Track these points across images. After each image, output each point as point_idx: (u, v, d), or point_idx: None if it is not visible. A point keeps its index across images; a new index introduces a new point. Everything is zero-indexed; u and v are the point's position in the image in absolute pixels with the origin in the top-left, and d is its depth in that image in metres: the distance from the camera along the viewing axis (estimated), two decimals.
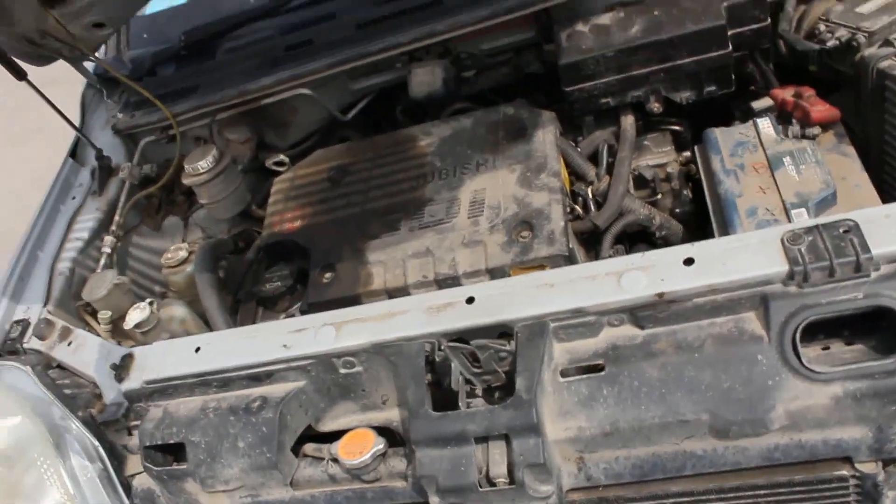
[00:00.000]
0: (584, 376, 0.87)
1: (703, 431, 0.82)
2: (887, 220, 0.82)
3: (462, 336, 0.93)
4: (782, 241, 0.84)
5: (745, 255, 0.85)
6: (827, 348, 0.84)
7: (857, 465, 0.81)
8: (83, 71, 1.72)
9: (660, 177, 1.33)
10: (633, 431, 0.84)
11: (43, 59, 1.61)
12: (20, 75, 1.47)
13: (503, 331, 0.92)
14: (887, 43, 1.10)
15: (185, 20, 1.79)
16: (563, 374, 0.88)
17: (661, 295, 0.85)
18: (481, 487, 0.84)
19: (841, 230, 0.83)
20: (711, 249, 0.87)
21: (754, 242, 0.86)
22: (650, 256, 0.89)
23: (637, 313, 0.87)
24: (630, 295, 0.87)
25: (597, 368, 0.87)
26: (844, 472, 0.81)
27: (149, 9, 1.85)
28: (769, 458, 0.82)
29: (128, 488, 1.12)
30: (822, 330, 0.84)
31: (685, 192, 1.31)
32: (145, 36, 1.83)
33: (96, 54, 1.69)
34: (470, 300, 0.95)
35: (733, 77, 1.27)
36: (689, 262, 0.87)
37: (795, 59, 1.26)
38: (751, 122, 1.22)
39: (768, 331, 0.82)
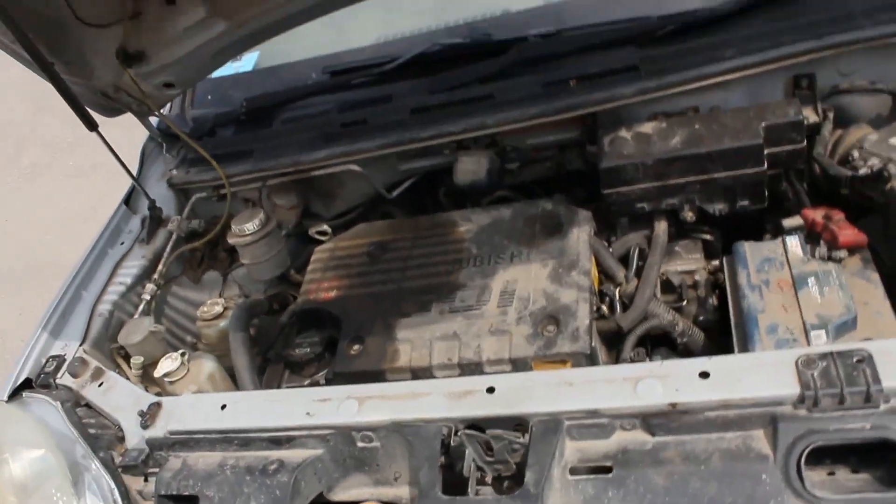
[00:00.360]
0: (592, 476, 0.90)
1: None
2: None
3: (479, 424, 0.96)
4: (797, 364, 0.87)
5: (759, 375, 0.88)
6: (832, 474, 0.86)
7: None
8: (147, 125, 1.83)
9: (687, 283, 1.37)
10: None
11: (113, 112, 1.73)
12: (92, 126, 1.57)
13: (519, 423, 0.95)
14: None
15: (248, 87, 1.90)
16: (573, 471, 0.91)
17: (674, 405, 0.89)
18: None
19: (855, 359, 0.85)
20: (727, 365, 0.91)
21: (769, 362, 0.89)
22: (667, 366, 0.93)
23: (649, 420, 0.90)
24: (644, 402, 0.90)
25: (605, 470, 0.90)
26: None
27: (215, 73, 1.97)
28: None
29: None
30: (830, 455, 0.86)
31: (711, 301, 1.34)
32: (209, 98, 1.94)
33: (162, 111, 1.81)
34: (490, 390, 0.99)
35: (766, 193, 1.32)
36: (704, 375, 0.90)
37: (828, 182, 1.31)
38: (780, 239, 1.26)
39: (775, 451, 0.84)
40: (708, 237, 1.42)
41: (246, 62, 1.96)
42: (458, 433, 0.95)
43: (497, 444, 0.94)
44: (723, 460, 0.86)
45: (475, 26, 1.65)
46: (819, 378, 0.85)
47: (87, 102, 1.60)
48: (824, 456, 0.86)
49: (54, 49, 1.48)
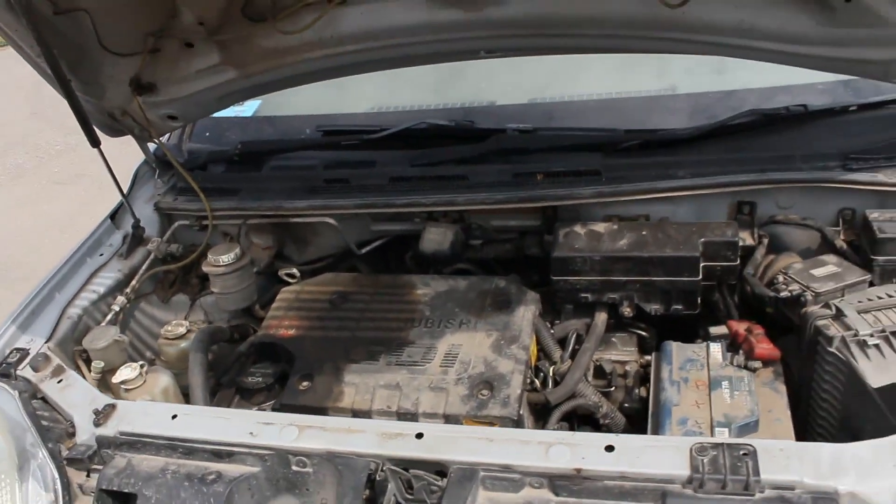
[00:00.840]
0: None
1: None
2: (780, 453, 0.97)
3: (404, 464, 1.06)
4: (691, 449, 0.99)
5: (657, 455, 1.00)
6: None
7: None
8: (145, 150, 1.94)
9: (618, 372, 1.49)
10: None
11: (116, 132, 1.85)
12: (95, 142, 1.68)
13: (439, 468, 1.05)
14: (827, 305, 1.29)
15: (245, 131, 2.03)
16: None
17: (578, 470, 0.99)
18: None
19: (741, 452, 0.97)
20: (631, 443, 1.02)
21: (668, 445, 1.01)
22: (578, 436, 1.04)
23: (555, 481, 1.00)
24: (553, 464, 1.01)
25: None
26: None
27: (219, 112, 2.10)
28: None
29: None
30: None
31: (637, 391, 1.46)
32: (207, 134, 2.07)
33: (161, 139, 1.93)
34: (419, 435, 1.09)
35: (699, 301, 1.46)
36: (609, 448, 1.01)
37: (755, 300, 1.45)
38: (705, 343, 1.40)
39: None
40: (643, 333, 1.55)
41: (247, 108, 2.09)
42: (384, 469, 1.05)
43: (417, 484, 1.04)
44: None
45: (462, 111, 1.80)
46: (708, 464, 0.96)
47: (93, 120, 1.71)
48: None
49: (74, 68, 1.61)
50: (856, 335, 1.19)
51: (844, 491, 0.93)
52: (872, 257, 1.38)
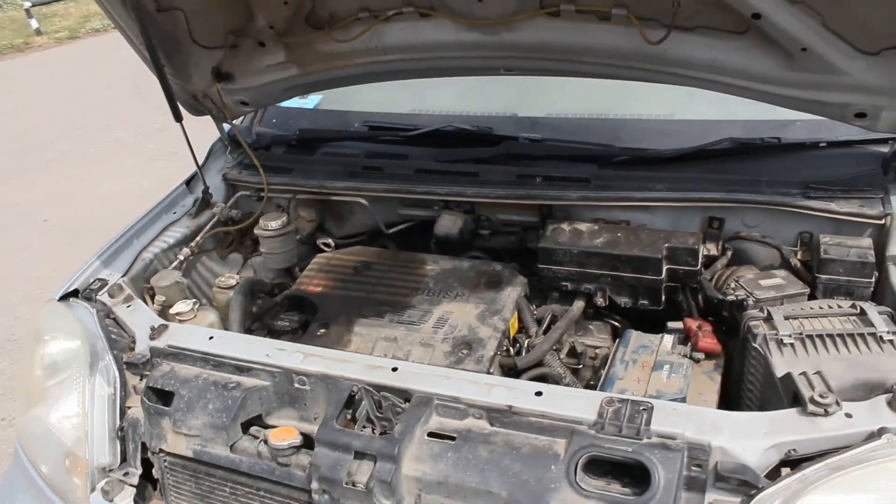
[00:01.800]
0: (441, 441, 1.25)
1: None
2: (673, 412, 1.19)
3: (379, 389, 1.33)
4: (602, 402, 1.22)
5: (575, 403, 1.23)
6: (609, 483, 1.19)
7: None
8: (220, 129, 2.27)
9: (589, 354, 1.72)
10: (456, 487, 1.20)
11: (197, 112, 2.17)
12: (178, 118, 2.01)
13: (405, 395, 1.31)
14: (762, 310, 1.49)
15: (304, 120, 2.34)
16: (430, 434, 1.26)
17: (510, 407, 1.24)
18: (345, 485, 1.22)
19: (640, 407, 1.20)
20: (556, 391, 1.26)
21: (585, 397, 1.24)
22: (516, 383, 1.29)
23: (491, 414, 1.25)
24: (491, 400, 1.26)
25: (451, 438, 1.25)
26: None
27: (286, 102, 2.42)
28: None
29: (122, 414, 1.54)
30: (612, 474, 1.19)
31: (602, 372, 1.69)
32: (274, 121, 2.39)
33: (235, 121, 2.25)
34: (394, 369, 1.35)
35: (663, 298, 1.68)
36: (538, 393, 1.26)
37: (706, 301, 1.66)
38: (661, 335, 1.62)
39: (566, 453, 1.18)
40: (617, 324, 1.77)
41: (310, 101, 2.41)
42: (361, 390, 1.32)
43: (385, 404, 1.30)
44: (531, 451, 1.20)
45: (485, 119, 2.07)
46: (611, 413, 1.20)
47: (179, 100, 2.05)
48: (608, 473, 1.19)
49: (168, 55, 1.94)
50: (776, 335, 1.40)
51: (716, 445, 1.15)
52: (817, 275, 1.57)
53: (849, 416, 1.17)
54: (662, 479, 1.12)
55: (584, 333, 1.77)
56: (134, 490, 1.49)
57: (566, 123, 1.99)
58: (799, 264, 1.65)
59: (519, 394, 1.26)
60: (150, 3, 1.80)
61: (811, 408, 1.18)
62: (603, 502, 1.13)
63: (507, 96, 2.11)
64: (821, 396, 1.19)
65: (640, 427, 1.17)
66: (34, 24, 15.76)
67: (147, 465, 1.53)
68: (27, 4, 16.50)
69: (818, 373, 1.25)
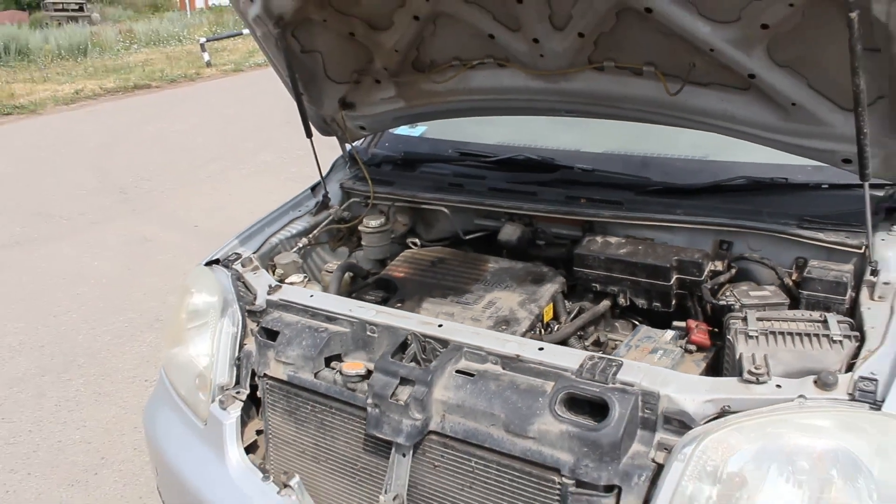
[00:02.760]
0: (464, 376, 1.69)
1: (499, 424, 1.60)
2: (637, 369, 1.58)
3: (426, 338, 1.79)
4: (585, 357, 1.62)
5: (565, 358, 1.64)
6: (578, 415, 1.58)
7: (562, 476, 1.54)
8: (343, 148, 2.83)
9: (610, 345, 2.10)
10: (470, 410, 1.63)
11: (326, 133, 2.74)
12: (309, 135, 2.58)
13: (444, 343, 1.76)
14: (742, 312, 1.83)
15: (410, 145, 2.87)
16: (457, 371, 1.71)
17: (517, 355, 1.67)
18: (390, 400, 1.68)
19: (612, 363, 1.60)
20: (554, 349, 1.68)
21: (574, 354, 1.65)
22: (525, 341, 1.72)
23: (504, 360, 1.68)
24: (505, 350, 1.69)
25: (471, 374, 1.69)
26: (554, 478, 1.55)
27: (397, 130, 2.96)
28: (523, 452, 1.57)
29: (240, 348, 2.08)
30: (585, 411, 1.58)
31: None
32: (387, 144, 2.94)
33: (355, 143, 2.81)
34: (440, 325, 1.81)
35: (673, 302, 2.05)
36: (540, 349, 1.68)
37: (707, 307, 2.02)
38: (666, 330, 1.99)
39: (551, 391, 1.59)
40: (638, 322, 2.15)
41: (416, 131, 2.94)
42: (413, 337, 1.79)
43: (428, 348, 1.76)
44: (527, 388, 1.61)
45: (550, 151, 2.51)
46: (589, 365, 1.60)
47: (312, 122, 2.62)
48: (582, 410, 1.58)
49: (306, 86, 2.52)
50: (745, 329, 1.75)
51: (664, 394, 1.52)
52: (800, 290, 1.91)
53: (778, 386, 1.52)
54: (617, 413, 1.51)
55: (610, 329, 2.16)
56: (241, 404, 2.02)
57: (611, 158, 2.40)
58: (791, 283, 1.98)
59: (526, 348, 1.69)
60: (295, 45, 2.39)
61: (747, 376, 1.53)
62: (571, 426, 1.53)
63: (567, 134, 2.55)
64: (756, 368, 1.54)
65: (608, 376, 1.57)
66: (206, 56, 17.58)
67: (253, 389, 2.05)
68: (202, 39, 18.44)
69: (764, 356, 1.61)
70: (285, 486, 1.87)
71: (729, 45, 1.78)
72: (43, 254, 6.07)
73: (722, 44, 1.79)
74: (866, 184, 1.74)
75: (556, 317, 2.13)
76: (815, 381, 1.49)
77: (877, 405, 1.43)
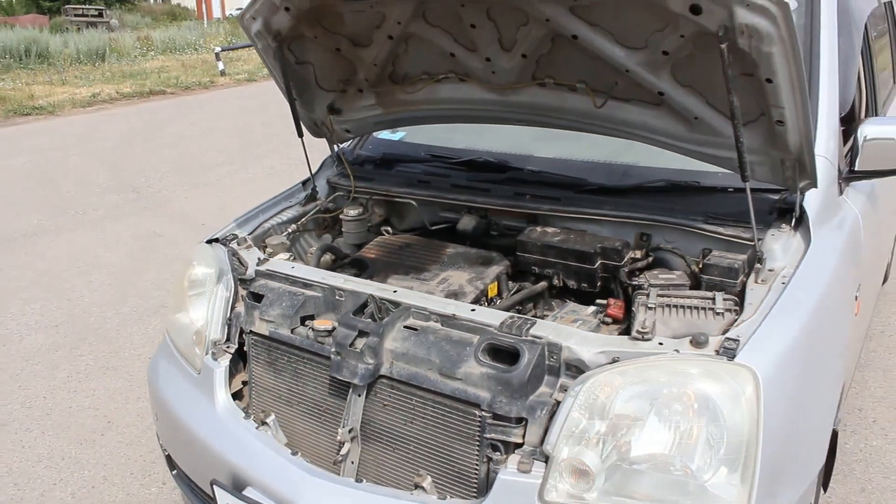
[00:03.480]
0: (409, 330, 2.08)
1: (434, 368, 1.98)
2: (546, 325, 1.96)
3: (383, 301, 2.18)
4: (506, 317, 2.01)
5: (491, 316, 2.03)
6: (497, 362, 1.96)
7: (482, 410, 1.92)
8: (331, 148, 3.23)
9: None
10: (412, 357, 2.01)
11: (316, 135, 3.14)
12: (300, 135, 2.99)
13: (396, 304, 2.15)
14: (647, 290, 2.21)
15: (390, 147, 3.28)
16: (405, 326, 2.09)
17: (454, 314, 2.06)
18: (349, 348, 2.07)
19: (528, 321, 1.98)
20: (485, 310, 2.06)
21: (500, 314, 2.03)
22: (461, 304, 2.10)
23: (442, 318, 2.07)
24: (444, 311, 2.07)
25: (415, 329, 2.07)
26: (475, 411, 1.93)
27: (380, 134, 3.37)
28: (452, 391, 1.95)
29: (232, 309, 2.47)
30: (507, 359, 1.96)
31: None
32: (370, 146, 3.34)
33: (342, 144, 3.22)
34: (394, 291, 2.20)
35: (598, 284, 2.43)
36: (472, 310, 2.06)
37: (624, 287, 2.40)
38: (590, 306, 2.37)
39: (477, 342, 1.97)
40: (570, 300, 2.53)
41: (397, 135, 3.34)
42: (372, 300, 2.18)
43: (383, 308, 2.15)
44: (458, 339, 1.98)
45: (506, 155, 2.91)
46: (508, 322, 1.98)
47: (305, 125, 3.03)
48: (502, 359, 1.96)
49: (299, 93, 2.92)
50: (646, 302, 2.13)
51: (565, 345, 1.90)
52: (701, 275, 2.28)
53: (660, 343, 1.89)
54: (526, 359, 1.89)
55: (547, 307, 2.54)
56: (230, 356, 2.40)
57: (554, 162, 2.79)
58: (696, 269, 2.35)
59: (461, 309, 2.08)
60: (290, 57, 2.79)
61: (634, 334, 1.91)
62: (490, 369, 1.91)
63: (519, 140, 2.94)
64: (642, 328, 1.93)
65: (522, 331, 1.95)
66: (221, 66, 18.09)
67: (241, 346, 2.44)
68: (217, 49, 18.99)
69: (653, 321, 1.99)
70: (263, 423, 2.25)
71: (640, 67, 2.17)
72: (59, 244, 6.51)
73: (634, 66, 2.18)
74: (747, 185, 2.12)
75: (499, 293, 2.51)
76: (691, 341, 1.86)
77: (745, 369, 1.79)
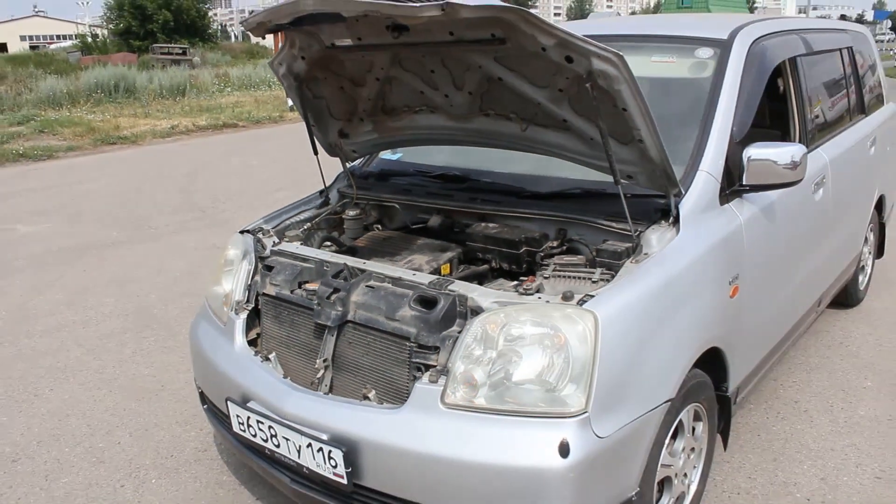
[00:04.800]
0: (368, 288, 2.92)
1: (382, 314, 2.79)
2: (460, 285, 2.78)
3: (354, 269, 3.04)
4: (435, 278, 2.84)
5: (425, 278, 2.86)
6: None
7: (410, 342, 2.74)
8: (343, 165, 4.14)
9: None
10: (368, 305, 2.84)
11: (331, 154, 4.04)
12: (315, 153, 3.90)
13: (363, 272, 3.01)
14: (550, 267, 3.02)
15: (389, 165, 4.17)
16: (366, 285, 2.94)
17: (399, 277, 2.90)
18: (326, 299, 2.92)
19: (448, 281, 2.80)
20: (421, 275, 2.90)
21: (434, 279, 2.87)
22: (405, 270, 2.95)
23: (392, 280, 2.91)
24: (394, 274, 2.92)
25: (373, 287, 2.92)
26: (406, 343, 2.75)
27: (384, 155, 4.27)
28: (393, 329, 2.78)
29: (252, 278, 3.37)
30: (431, 306, 2.78)
31: None
32: (375, 164, 4.24)
33: (350, 162, 4.12)
34: (364, 262, 3.06)
35: (523, 266, 3.23)
36: (413, 275, 2.90)
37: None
38: (515, 281, 3.17)
39: (412, 294, 2.80)
40: (505, 279, 3.33)
41: (396, 155, 4.24)
42: (345, 268, 3.04)
43: (354, 273, 3.01)
44: (401, 293, 2.80)
45: (472, 170, 3.75)
46: (435, 281, 2.80)
47: (322, 146, 3.95)
48: (428, 305, 2.78)
49: (316, 121, 3.83)
50: (544, 274, 2.93)
51: (470, 296, 2.71)
52: (596, 257, 3.07)
53: (539, 297, 2.70)
54: (440, 305, 2.71)
55: (490, 285, 3.35)
56: (248, 311, 3.30)
57: (501, 175, 3.59)
58: (594, 255, 3.12)
59: (406, 274, 2.92)
60: (308, 93, 3.71)
61: (521, 290, 2.73)
62: (417, 312, 2.74)
63: (479, 159, 3.79)
64: (525, 288, 2.74)
65: (443, 287, 2.77)
66: (290, 102, 19.49)
67: (257, 304, 3.33)
68: None
69: (541, 283, 2.79)
70: (266, 358, 3.13)
71: (547, 101, 3.00)
72: (132, 253, 7.62)
73: (543, 100, 3.01)
74: (619, 186, 2.90)
75: (450, 272, 3.35)
76: (561, 296, 2.66)
77: (588, 312, 2.56)
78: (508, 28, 2.57)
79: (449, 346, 2.65)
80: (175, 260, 7.36)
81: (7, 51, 65.05)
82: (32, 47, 69.58)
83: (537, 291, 2.74)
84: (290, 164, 12.11)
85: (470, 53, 2.97)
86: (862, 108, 5.47)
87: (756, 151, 3.28)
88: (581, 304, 2.55)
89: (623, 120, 2.78)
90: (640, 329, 2.68)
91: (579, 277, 2.88)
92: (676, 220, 3.03)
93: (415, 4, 2.40)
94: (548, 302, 2.62)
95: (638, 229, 2.99)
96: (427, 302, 2.76)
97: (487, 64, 2.99)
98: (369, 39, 3.03)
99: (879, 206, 5.90)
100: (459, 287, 2.77)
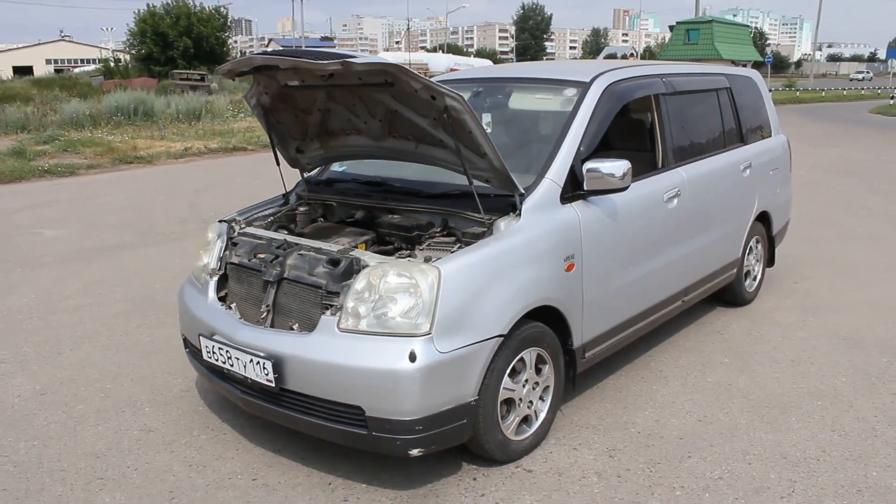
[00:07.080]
0: (299, 255, 4.31)
1: (305, 271, 4.17)
2: (359, 252, 4.17)
3: (290, 242, 4.44)
4: (342, 247, 4.23)
5: (336, 248, 4.25)
6: None
7: (322, 290, 4.10)
8: (301, 175, 5.55)
9: None
10: (298, 267, 4.23)
11: (293, 166, 5.44)
12: (277, 163, 5.32)
13: (297, 245, 4.41)
14: (425, 243, 4.40)
15: (335, 174, 5.58)
16: (298, 253, 4.33)
17: (319, 248, 4.29)
18: (269, 262, 4.31)
19: (350, 248, 4.19)
20: (334, 245, 4.29)
21: (341, 247, 4.26)
22: (326, 244, 4.34)
23: (315, 249, 4.30)
24: (316, 245, 4.31)
25: (303, 254, 4.32)
26: (320, 291, 4.11)
27: (334, 167, 5.70)
28: (312, 283, 4.16)
29: (223, 252, 4.78)
30: (337, 265, 4.15)
31: None
32: (326, 174, 5.65)
33: (307, 173, 5.54)
34: (299, 238, 4.47)
35: (415, 246, 4.60)
36: (329, 246, 4.30)
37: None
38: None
39: (326, 257, 4.19)
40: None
41: (341, 167, 5.66)
42: (284, 241, 4.44)
43: (291, 245, 4.41)
44: (319, 258, 4.23)
45: (393, 178, 5.14)
46: (341, 249, 4.19)
47: (285, 159, 5.37)
48: (336, 265, 4.15)
49: (279, 140, 5.24)
50: (420, 247, 4.31)
51: (363, 259, 4.09)
52: (463, 238, 4.44)
53: (410, 259, 4.07)
54: (342, 263, 4.07)
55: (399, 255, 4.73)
56: (218, 276, 4.68)
57: (408, 180, 4.95)
58: (462, 236, 4.49)
59: (325, 246, 4.31)
60: (273, 119, 5.14)
61: (397, 256, 4.11)
62: (326, 269, 4.11)
63: (394, 169, 5.17)
64: (400, 254, 4.12)
65: (346, 253, 4.15)
66: None
67: (225, 271, 4.73)
68: None
69: (411, 252, 4.18)
70: (229, 307, 4.52)
71: (428, 126, 4.38)
72: (141, 255, 9.10)
73: (426, 126, 4.39)
74: (473, 186, 4.28)
75: (366, 249, 4.73)
76: (424, 259, 4.04)
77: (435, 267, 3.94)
78: (392, 76, 3.99)
79: (346, 292, 4.02)
80: (177, 260, 8.81)
81: (33, 73, 67.99)
82: (57, 70, 72.63)
83: (409, 257, 4.12)
84: (289, 185, 13.62)
85: (375, 92, 4.38)
86: (740, 138, 6.82)
87: (592, 164, 4.63)
88: (429, 262, 3.92)
89: (473, 140, 4.17)
90: (475, 282, 4.00)
91: (443, 249, 4.25)
92: (520, 214, 4.39)
93: (323, 61, 3.82)
94: (410, 261, 4.00)
95: (492, 218, 4.36)
96: (334, 262, 4.15)
97: (387, 100, 4.39)
98: (310, 81, 4.46)
99: (766, 221, 7.22)
100: (356, 253, 4.16)
